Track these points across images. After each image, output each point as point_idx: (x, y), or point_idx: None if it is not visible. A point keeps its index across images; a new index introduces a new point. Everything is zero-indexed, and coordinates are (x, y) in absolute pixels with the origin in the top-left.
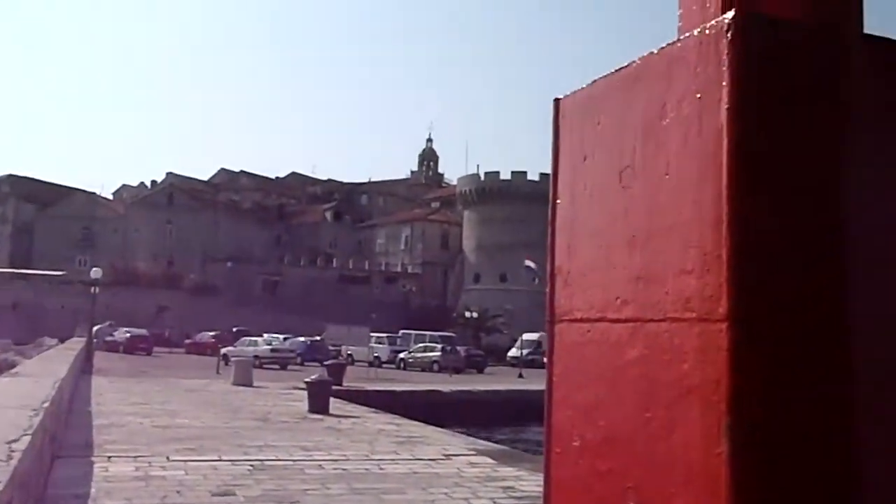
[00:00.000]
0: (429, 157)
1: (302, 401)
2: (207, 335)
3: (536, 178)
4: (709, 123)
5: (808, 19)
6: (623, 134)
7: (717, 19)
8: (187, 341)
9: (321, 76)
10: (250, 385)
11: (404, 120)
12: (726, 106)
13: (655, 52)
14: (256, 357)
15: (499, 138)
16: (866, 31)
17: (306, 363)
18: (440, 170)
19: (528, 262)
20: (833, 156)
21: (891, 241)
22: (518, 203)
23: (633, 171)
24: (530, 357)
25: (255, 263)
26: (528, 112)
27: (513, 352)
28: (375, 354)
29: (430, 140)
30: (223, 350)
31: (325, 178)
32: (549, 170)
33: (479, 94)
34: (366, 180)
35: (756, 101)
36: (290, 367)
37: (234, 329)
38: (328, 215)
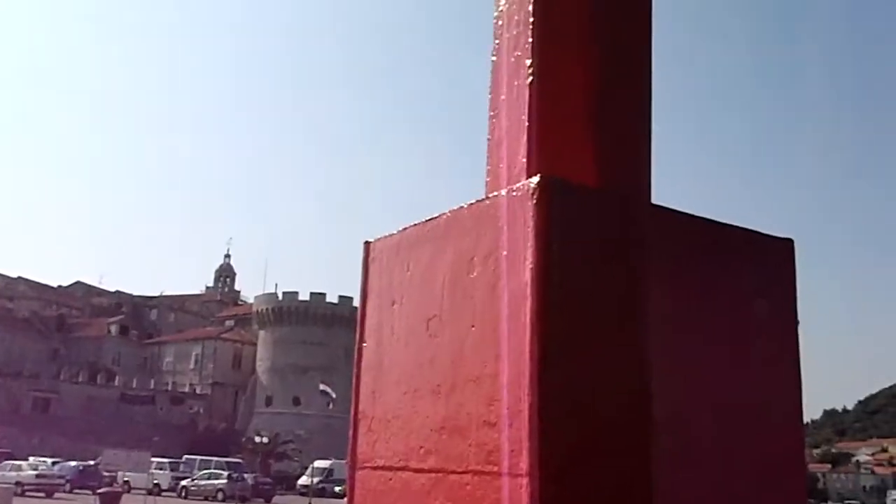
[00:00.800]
0: (226, 273)
1: None
2: None
3: (335, 300)
4: (514, 281)
5: (606, 187)
6: (432, 283)
7: (523, 183)
8: None
9: (113, 179)
10: None
11: (202, 234)
12: (530, 266)
13: (465, 206)
14: (18, 483)
15: (299, 258)
16: (654, 201)
17: (76, 491)
18: (237, 287)
19: (324, 387)
20: (629, 315)
21: (685, 394)
22: (316, 325)
23: (440, 320)
24: (321, 486)
25: (27, 378)
26: (330, 233)
27: (303, 480)
28: (155, 481)
29: (227, 256)
30: None
31: (112, 289)
32: (348, 292)
33: (280, 212)
34: (157, 294)
35: (558, 262)
36: (57, 494)
37: None
38: (113, 329)
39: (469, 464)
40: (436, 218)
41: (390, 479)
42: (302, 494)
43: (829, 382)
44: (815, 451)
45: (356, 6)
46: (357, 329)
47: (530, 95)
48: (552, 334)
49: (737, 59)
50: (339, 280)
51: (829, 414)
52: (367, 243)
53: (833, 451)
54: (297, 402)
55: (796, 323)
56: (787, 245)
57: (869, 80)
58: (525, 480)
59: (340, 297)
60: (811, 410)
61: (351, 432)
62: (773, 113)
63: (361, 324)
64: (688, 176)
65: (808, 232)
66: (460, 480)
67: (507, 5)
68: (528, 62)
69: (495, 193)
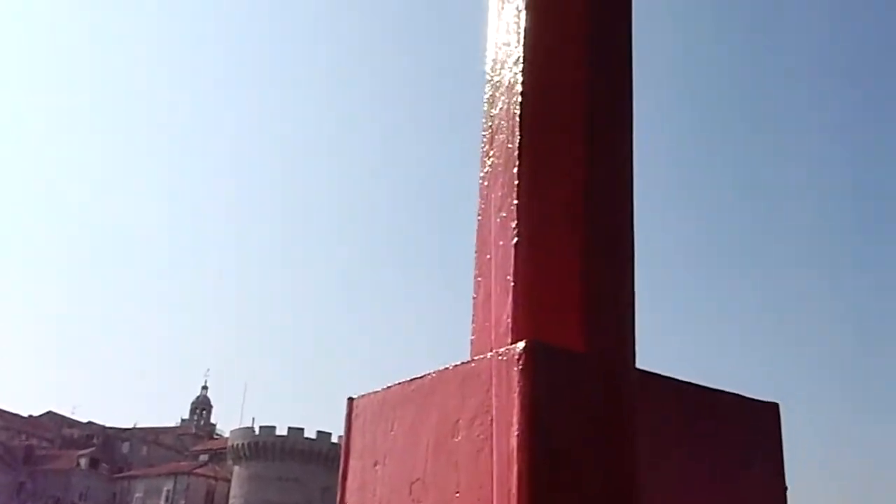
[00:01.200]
0: (202, 405)
1: None
2: None
3: (313, 435)
4: (500, 446)
5: (591, 351)
6: (416, 445)
7: (509, 347)
8: None
9: (89, 306)
10: None
11: (179, 364)
12: (517, 432)
13: (451, 368)
14: None
15: (278, 390)
16: (638, 365)
17: None
18: (213, 420)
19: None
20: (616, 481)
21: None
22: (293, 461)
23: (423, 484)
24: None
25: None
26: (309, 366)
27: None
28: None
29: (205, 387)
30: None
31: (85, 420)
32: (326, 427)
33: (259, 346)
34: (131, 425)
35: (545, 429)
36: None
37: None
38: (83, 462)
39: None
40: (421, 378)
41: None
42: None
43: None
44: None
45: (354, 150)
46: (338, 488)
47: (516, 257)
48: (539, 502)
49: (717, 218)
50: (317, 414)
51: None
52: (350, 400)
53: None
54: None
55: (784, 488)
56: (772, 408)
57: (865, 235)
58: None
59: (319, 432)
60: None
61: None
62: (759, 272)
63: (343, 483)
64: (670, 337)
65: (792, 390)
66: None
67: (492, 167)
68: (514, 224)
69: (481, 356)
